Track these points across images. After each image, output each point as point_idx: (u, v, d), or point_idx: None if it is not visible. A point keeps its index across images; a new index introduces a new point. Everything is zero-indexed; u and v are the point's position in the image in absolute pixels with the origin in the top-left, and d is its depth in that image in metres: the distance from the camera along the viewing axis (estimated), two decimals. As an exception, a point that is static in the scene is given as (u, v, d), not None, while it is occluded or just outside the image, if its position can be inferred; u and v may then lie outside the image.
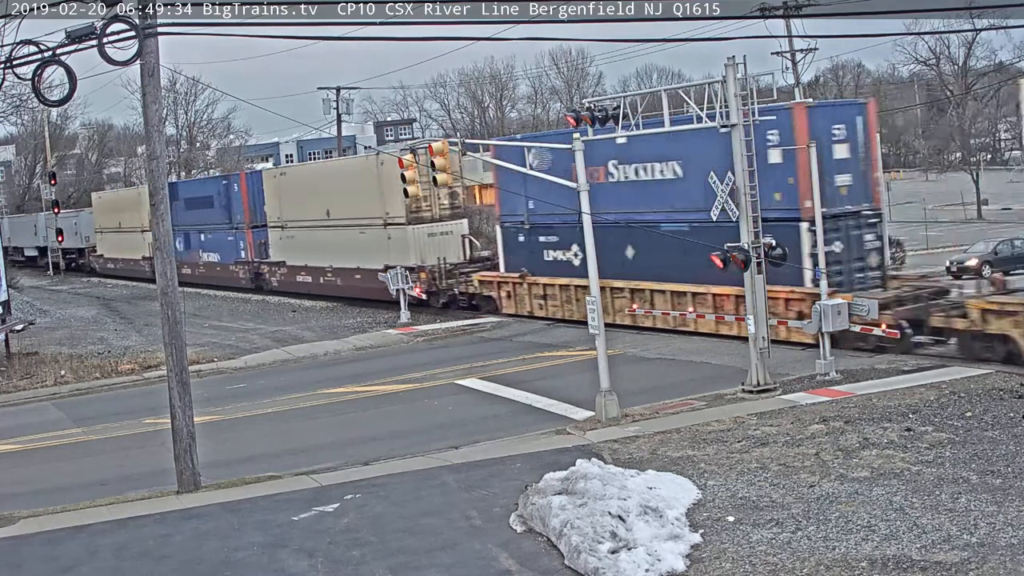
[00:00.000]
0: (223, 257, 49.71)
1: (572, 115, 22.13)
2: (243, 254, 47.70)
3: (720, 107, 20.37)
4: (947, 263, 33.72)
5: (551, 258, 31.60)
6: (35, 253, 76.08)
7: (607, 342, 20.13)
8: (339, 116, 66.82)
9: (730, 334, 25.61)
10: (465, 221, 36.29)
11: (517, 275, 32.83)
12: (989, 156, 76.03)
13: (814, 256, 22.44)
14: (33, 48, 16.26)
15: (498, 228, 33.23)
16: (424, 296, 35.58)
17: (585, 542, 12.35)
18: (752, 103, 20.43)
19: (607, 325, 21.69)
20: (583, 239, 20.09)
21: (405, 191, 23.61)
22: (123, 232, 60.51)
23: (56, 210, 64.88)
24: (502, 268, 33.48)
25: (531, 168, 26.71)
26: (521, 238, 32.96)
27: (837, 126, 24.78)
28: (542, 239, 31.57)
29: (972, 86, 66.66)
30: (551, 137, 32.49)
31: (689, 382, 22.15)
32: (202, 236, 51.45)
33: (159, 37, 16.57)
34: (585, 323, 20.53)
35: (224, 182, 50.80)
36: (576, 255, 29.69)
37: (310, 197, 41.48)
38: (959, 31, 54.76)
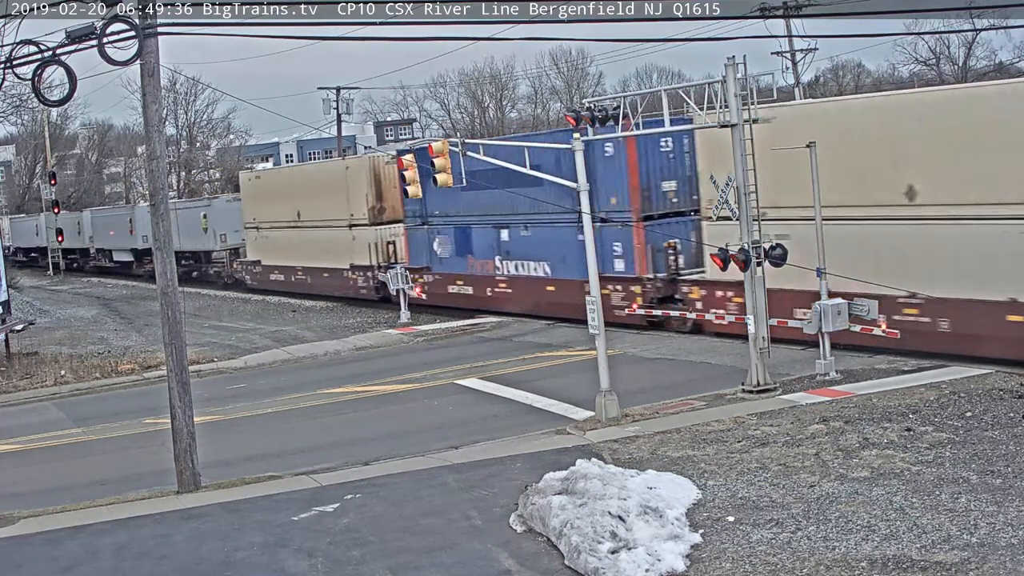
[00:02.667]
0: (557, 268, 29.53)
1: (572, 115, 22.13)
2: (618, 265, 28.00)
3: (720, 106, 20.39)
4: None
5: None
6: (129, 258, 60.19)
7: (607, 342, 20.14)
8: (339, 116, 66.83)
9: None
10: None
11: None
12: (989, 156, 75.79)
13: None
14: (33, 48, 16.27)
15: None
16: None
17: (585, 542, 12.36)
18: (752, 103, 20.43)
19: None
20: None
21: (405, 191, 23.56)
22: (305, 228, 42.29)
23: (56, 210, 64.64)
24: None
25: None
26: None
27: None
28: None
29: (972, 86, 66.51)
30: None
31: (689, 382, 22.15)
32: (503, 233, 31.85)
33: (159, 37, 16.57)
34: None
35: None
36: None
37: (850, 157, 21.63)
38: (959, 31, 54.78)
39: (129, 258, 60.03)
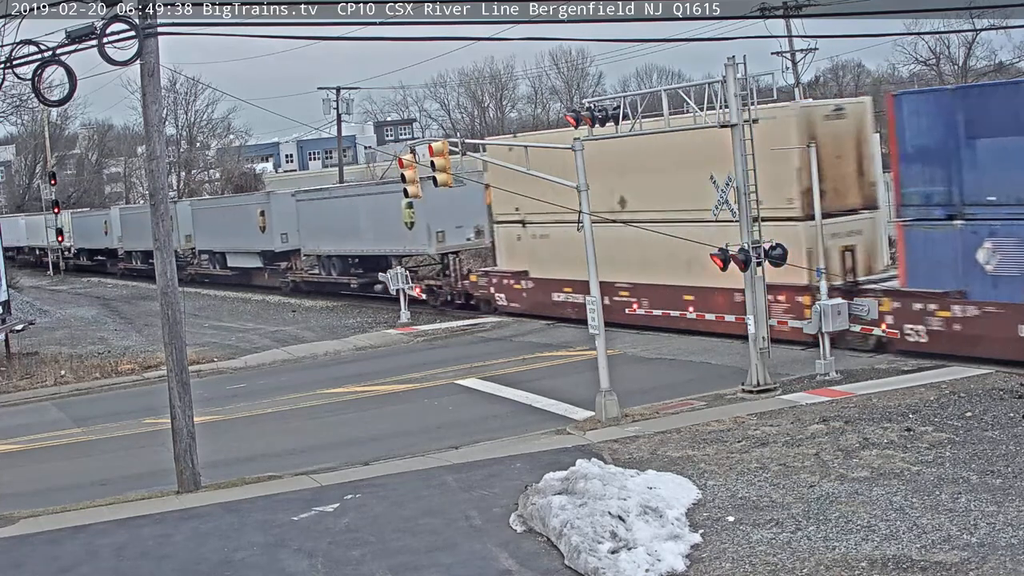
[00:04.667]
0: None
1: (572, 115, 22.11)
2: None
3: (720, 107, 20.40)
4: None
5: None
6: (256, 263, 46.00)
7: (607, 342, 20.14)
8: (339, 116, 66.77)
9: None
10: None
11: None
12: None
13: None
14: (33, 48, 16.30)
15: None
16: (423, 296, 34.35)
17: (585, 542, 12.36)
18: (752, 103, 20.44)
19: None
20: None
21: (405, 191, 23.45)
22: (641, 223, 24.68)
23: (56, 210, 64.41)
24: None
25: None
26: None
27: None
28: None
29: (972, 86, 66.62)
30: None
31: (689, 382, 22.15)
32: None
33: (159, 37, 16.58)
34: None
35: None
36: None
37: None
38: (959, 31, 54.70)
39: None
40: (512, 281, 32.54)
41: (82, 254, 66.65)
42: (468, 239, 35.31)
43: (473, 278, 34.70)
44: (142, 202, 57.61)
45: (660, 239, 24.57)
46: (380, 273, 36.81)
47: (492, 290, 33.43)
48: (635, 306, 28.07)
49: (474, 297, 34.82)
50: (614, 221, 25.32)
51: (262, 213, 44.74)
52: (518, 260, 32.68)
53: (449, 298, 35.75)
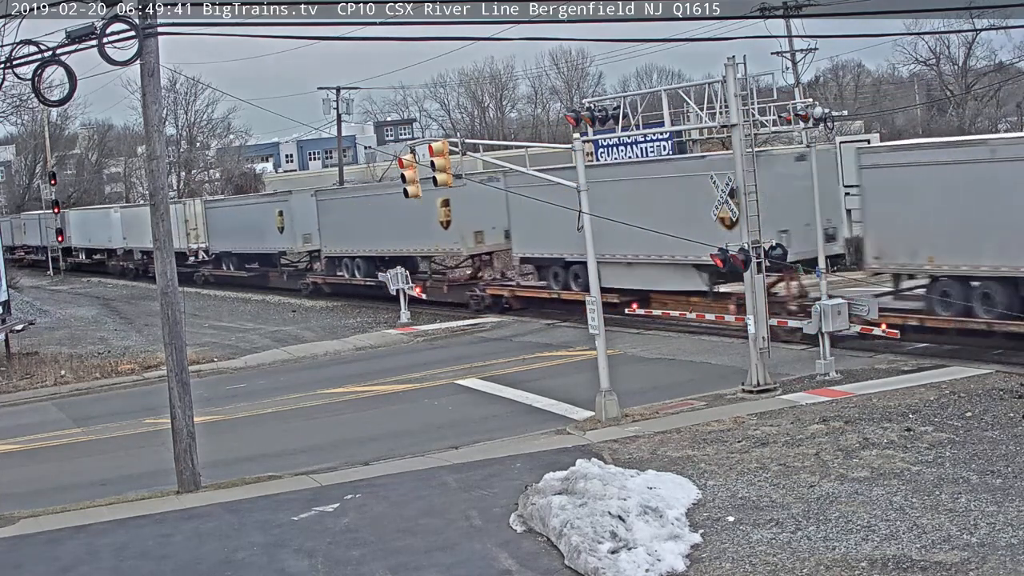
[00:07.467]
0: None
1: (572, 115, 22.12)
2: None
3: (720, 107, 20.41)
4: None
5: None
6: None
7: (607, 342, 20.14)
8: (339, 116, 66.75)
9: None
10: None
11: None
12: (989, 156, 75.91)
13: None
14: (33, 48, 16.28)
15: None
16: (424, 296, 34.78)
17: (585, 542, 12.36)
18: (752, 103, 20.44)
19: None
20: None
21: (405, 191, 23.38)
22: None
23: (56, 210, 64.26)
24: None
25: None
26: None
27: None
28: None
29: (972, 86, 66.69)
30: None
31: (689, 382, 22.14)
32: None
33: (159, 37, 16.57)
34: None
35: None
36: None
37: None
38: (959, 31, 54.68)
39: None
40: None
41: (224, 260, 44.91)
42: None
43: None
44: (366, 187, 36.69)
45: None
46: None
47: None
48: None
49: None
50: None
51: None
52: None
53: None
